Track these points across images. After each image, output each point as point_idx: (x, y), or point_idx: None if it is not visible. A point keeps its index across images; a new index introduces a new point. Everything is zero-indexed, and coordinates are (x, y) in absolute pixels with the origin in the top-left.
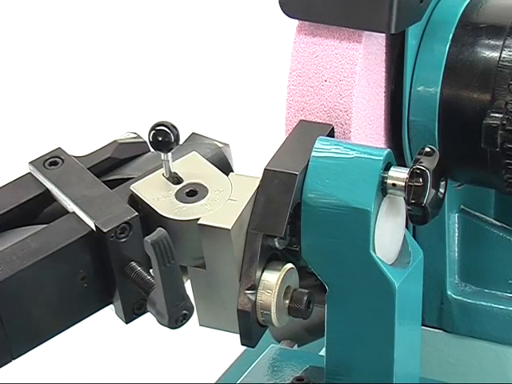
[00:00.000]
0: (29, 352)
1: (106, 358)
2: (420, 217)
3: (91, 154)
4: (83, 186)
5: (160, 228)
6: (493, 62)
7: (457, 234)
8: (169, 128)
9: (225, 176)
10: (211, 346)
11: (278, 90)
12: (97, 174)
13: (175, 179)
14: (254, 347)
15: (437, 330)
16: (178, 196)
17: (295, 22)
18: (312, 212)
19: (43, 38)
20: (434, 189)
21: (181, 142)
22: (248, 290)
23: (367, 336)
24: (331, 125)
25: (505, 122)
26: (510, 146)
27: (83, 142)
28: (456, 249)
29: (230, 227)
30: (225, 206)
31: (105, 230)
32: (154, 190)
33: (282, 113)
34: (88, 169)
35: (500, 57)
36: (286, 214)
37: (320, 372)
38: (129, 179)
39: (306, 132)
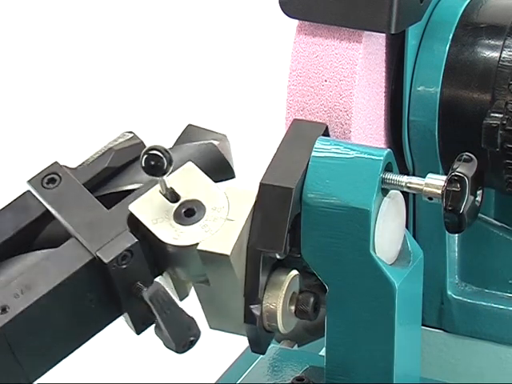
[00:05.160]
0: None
1: (106, 357)
2: (456, 224)
3: (87, 164)
4: (82, 209)
5: (156, 281)
6: (493, 61)
7: (457, 234)
8: (161, 152)
9: (221, 191)
10: (211, 346)
11: (278, 90)
12: (95, 187)
13: (172, 195)
14: (263, 354)
15: (437, 330)
16: (176, 216)
17: (295, 22)
18: (312, 212)
19: (42, 38)
20: (471, 196)
21: (177, 136)
22: (253, 304)
23: (367, 336)
24: (325, 124)
25: (505, 122)
26: (510, 145)
27: (82, 140)
28: (456, 249)
29: (228, 253)
30: (223, 227)
31: (106, 261)
32: (152, 210)
33: (282, 113)
34: (86, 182)
35: (500, 57)
36: (285, 229)
37: (320, 372)
38: (127, 191)
39: (300, 134)
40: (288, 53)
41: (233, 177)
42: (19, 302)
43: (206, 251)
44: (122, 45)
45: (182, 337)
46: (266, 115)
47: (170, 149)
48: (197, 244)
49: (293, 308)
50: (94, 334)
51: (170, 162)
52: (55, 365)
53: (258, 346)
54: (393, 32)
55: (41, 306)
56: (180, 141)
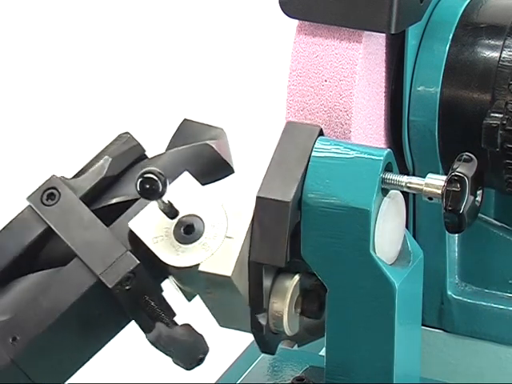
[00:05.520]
0: None
1: (105, 357)
2: (456, 224)
3: (85, 174)
4: (82, 228)
5: (158, 324)
6: (493, 61)
7: (457, 234)
8: (156, 175)
9: (219, 204)
10: (211, 346)
11: (278, 90)
12: (93, 199)
13: (171, 210)
14: (273, 354)
15: (437, 330)
16: (175, 234)
17: (295, 22)
18: (312, 212)
19: (35, 41)
20: (471, 196)
21: (173, 130)
22: (258, 313)
23: (367, 336)
24: (319, 126)
25: (505, 122)
26: (510, 145)
27: (79, 136)
28: (456, 249)
29: (229, 274)
30: (222, 245)
31: (110, 287)
32: (151, 228)
33: (282, 113)
34: (85, 195)
35: (500, 57)
36: (285, 242)
37: (320, 372)
38: (126, 202)
39: (295, 140)
40: (288, 53)
41: (232, 172)
42: (29, 331)
43: (207, 272)
44: (118, 42)
45: (190, 360)
46: (266, 115)
47: (164, 153)
48: (198, 264)
49: (298, 310)
50: (106, 343)
51: (164, 185)
52: (71, 376)
53: (267, 348)
54: (393, 32)
55: (50, 331)
56: (176, 136)
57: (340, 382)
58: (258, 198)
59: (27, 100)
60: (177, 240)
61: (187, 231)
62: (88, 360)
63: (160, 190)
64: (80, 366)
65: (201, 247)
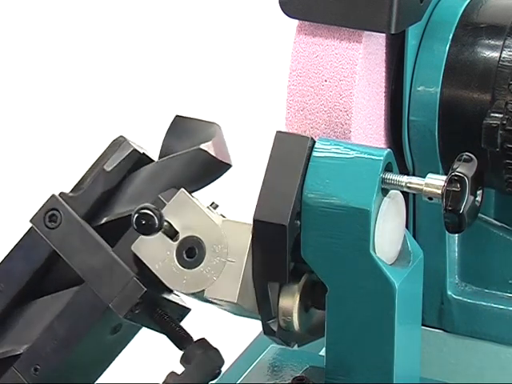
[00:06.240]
0: None
1: None
2: (456, 224)
3: (84, 189)
4: (87, 253)
5: (168, 376)
6: (493, 61)
7: (457, 234)
8: (151, 211)
9: (217, 224)
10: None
11: (277, 90)
12: (94, 216)
13: (171, 231)
14: (290, 346)
15: (437, 330)
16: (178, 257)
17: (295, 22)
18: (312, 212)
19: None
20: (471, 196)
21: (166, 126)
22: (269, 320)
23: (367, 336)
24: (309, 137)
25: (505, 122)
26: (510, 145)
27: (73, 135)
28: (456, 249)
29: (235, 300)
30: (225, 270)
31: (121, 317)
32: (154, 251)
33: (282, 113)
34: (85, 213)
35: (500, 57)
36: (286, 261)
37: (320, 372)
38: (126, 217)
39: (286, 154)
40: (288, 53)
41: (230, 167)
42: (49, 359)
43: (213, 298)
44: (112, 40)
45: (207, 379)
46: (266, 115)
47: (158, 162)
48: (203, 291)
49: (308, 304)
50: (123, 349)
51: (160, 219)
52: None
53: (281, 343)
54: (393, 32)
55: (69, 356)
56: (170, 133)
57: (340, 382)
58: (255, 221)
59: (24, 100)
60: (180, 264)
61: (189, 254)
62: (107, 367)
63: (156, 225)
64: (99, 376)
65: (204, 273)
